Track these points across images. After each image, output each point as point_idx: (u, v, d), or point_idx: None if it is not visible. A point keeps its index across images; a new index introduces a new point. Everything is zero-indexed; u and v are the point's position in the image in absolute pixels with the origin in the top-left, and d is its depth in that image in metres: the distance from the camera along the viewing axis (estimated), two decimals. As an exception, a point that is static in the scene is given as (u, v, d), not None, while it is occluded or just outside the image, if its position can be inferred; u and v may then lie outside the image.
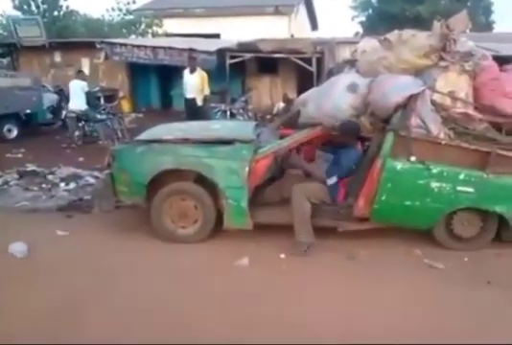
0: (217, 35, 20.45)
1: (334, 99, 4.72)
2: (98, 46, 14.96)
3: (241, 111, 12.49)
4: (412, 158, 4.38)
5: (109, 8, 25.37)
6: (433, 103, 4.46)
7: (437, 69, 4.63)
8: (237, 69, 15.23)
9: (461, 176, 4.39)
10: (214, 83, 10.76)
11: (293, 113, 5.51)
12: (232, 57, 14.69)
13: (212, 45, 14.35)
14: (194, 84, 9.38)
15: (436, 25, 4.70)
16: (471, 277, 4.13)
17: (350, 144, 4.74)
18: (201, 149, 4.72)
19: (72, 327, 3.27)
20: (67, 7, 22.40)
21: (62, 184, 6.80)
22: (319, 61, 14.19)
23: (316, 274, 4.14)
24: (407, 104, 4.36)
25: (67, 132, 10.46)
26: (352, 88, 4.70)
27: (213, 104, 11.40)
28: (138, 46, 14.78)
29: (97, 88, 12.66)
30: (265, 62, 15.79)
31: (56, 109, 12.15)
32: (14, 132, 10.91)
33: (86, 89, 10.22)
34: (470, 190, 4.39)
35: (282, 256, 4.47)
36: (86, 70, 15.00)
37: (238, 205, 4.59)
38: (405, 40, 4.73)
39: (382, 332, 3.26)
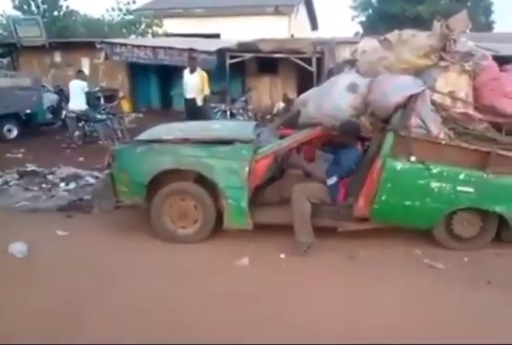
0: (217, 35, 20.45)
1: (334, 99, 4.72)
2: (98, 46, 14.96)
3: (241, 111, 12.49)
4: (412, 158, 4.38)
5: (109, 8, 25.41)
6: (433, 103, 4.47)
7: (437, 69, 4.63)
8: (237, 69, 15.23)
9: (461, 176, 4.39)
10: (214, 83, 10.76)
11: (293, 113, 5.52)
12: (232, 57, 14.69)
13: (212, 45, 14.35)
14: (194, 84, 9.38)
15: (436, 25, 4.70)
16: (471, 277, 4.13)
17: (350, 144, 4.74)
18: (201, 149, 4.72)
19: (72, 327, 3.27)
20: (67, 7, 22.43)
21: (62, 184, 6.80)
22: (319, 61, 14.19)
23: (316, 274, 4.14)
24: (407, 104, 4.36)
25: (67, 132, 10.46)
26: (352, 88, 4.70)
27: (213, 104, 11.40)
28: (138, 46, 14.78)
29: (97, 88, 12.66)
30: (265, 62, 15.79)
31: (56, 109, 12.15)
32: (14, 132, 10.91)
33: (86, 89, 10.23)
34: (470, 190, 4.40)
35: (282, 256, 4.47)
36: (86, 70, 15.01)
37: (238, 205, 4.59)
38: (405, 40, 4.73)
39: (382, 331, 3.26)
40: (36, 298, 3.63)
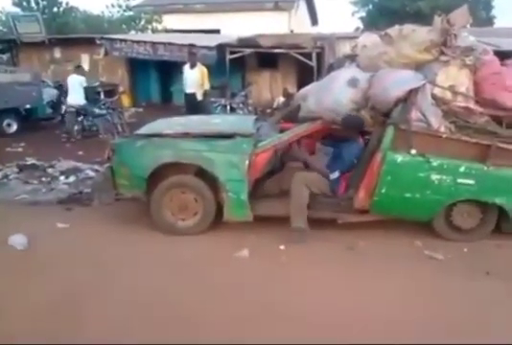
0: (217, 31, 20.40)
1: (334, 93, 4.73)
2: (98, 42, 14.97)
3: (241, 106, 12.51)
4: (413, 151, 4.40)
5: (109, 4, 25.28)
6: (434, 97, 4.48)
7: (438, 63, 4.63)
8: (237, 64, 15.23)
9: (462, 169, 4.41)
10: (214, 78, 10.77)
11: (294, 107, 5.53)
12: (232, 53, 14.68)
13: (212, 40, 14.33)
14: (194, 79, 9.38)
15: (437, 20, 4.70)
16: (470, 268, 4.14)
17: (352, 138, 4.76)
18: (202, 143, 4.72)
19: (72, 320, 3.24)
20: (67, 3, 22.39)
21: (62, 177, 6.81)
22: (319, 56, 14.18)
23: (316, 265, 4.15)
24: (408, 98, 4.37)
25: (65, 127, 10.47)
26: (352, 83, 4.71)
27: (213, 99, 11.41)
28: (138, 42, 14.79)
29: (97, 83, 12.66)
30: (265, 57, 15.78)
31: (55, 104, 12.15)
32: (14, 127, 10.95)
33: (85, 84, 10.25)
34: (470, 182, 4.41)
35: (282, 247, 4.48)
36: (86, 66, 15.00)
37: (238, 198, 4.60)
38: (405, 35, 4.73)
39: (382, 323, 3.26)
40: (36, 290, 3.62)
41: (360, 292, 3.69)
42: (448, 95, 4.55)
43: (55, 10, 21.92)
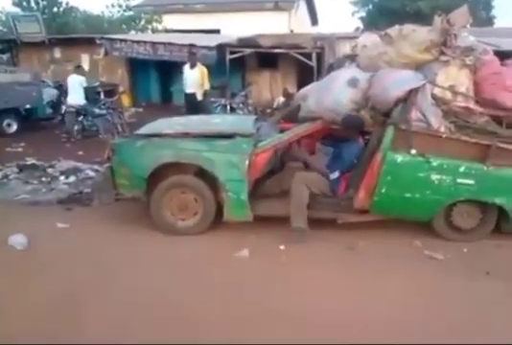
0: (217, 31, 20.40)
1: (334, 93, 4.73)
2: (98, 42, 14.97)
3: (241, 106, 12.52)
4: (413, 151, 4.40)
5: (109, 4, 25.33)
6: (434, 97, 4.48)
7: (438, 63, 4.63)
8: (237, 64, 15.22)
9: (461, 169, 4.41)
10: (214, 78, 10.78)
11: (294, 107, 5.53)
12: (232, 53, 14.67)
13: (212, 41, 14.33)
14: (194, 79, 9.40)
15: (437, 20, 4.70)
16: (470, 268, 4.15)
17: (352, 138, 4.76)
18: (202, 143, 4.72)
19: (71, 321, 3.24)
20: (67, 3, 22.41)
21: (62, 177, 6.81)
22: (319, 56, 14.17)
23: (316, 265, 4.14)
24: (408, 98, 4.38)
25: (65, 127, 10.47)
26: (352, 83, 4.72)
27: (213, 99, 11.43)
28: (138, 42, 14.80)
29: (97, 83, 12.67)
30: (265, 57, 15.78)
31: (55, 104, 12.13)
32: (14, 127, 10.94)
33: (85, 84, 10.25)
34: (470, 182, 4.42)
35: (282, 247, 4.47)
36: (86, 66, 15.00)
37: (238, 198, 4.60)
38: (405, 35, 4.73)
39: (382, 323, 3.26)
40: (36, 290, 3.62)
41: (360, 292, 3.69)
42: (448, 95, 4.55)
43: (55, 10, 21.93)
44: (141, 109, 15.29)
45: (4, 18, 21.42)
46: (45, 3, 21.62)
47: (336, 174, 4.70)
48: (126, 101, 14.62)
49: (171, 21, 21.19)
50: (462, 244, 4.61)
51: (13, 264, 4.08)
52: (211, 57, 13.37)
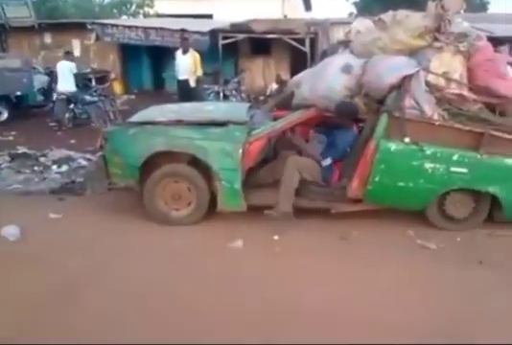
0: (209, 16, 20.13)
1: (328, 80, 4.69)
2: (89, 27, 14.77)
3: (234, 92, 12.42)
4: (406, 139, 4.38)
5: (100, -13, 24.97)
6: (428, 83, 4.46)
7: (432, 50, 4.61)
8: (230, 50, 15.09)
9: (455, 157, 4.40)
10: (206, 64, 10.67)
11: (287, 95, 5.48)
12: (225, 38, 14.52)
13: (204, 26, 14.18)
14: (186, 65, 9.30)
15: (431, 5, 4.66)
16: (463, 257, 4.16)
17: (346, 125, 4.74)
18: (195, 131, 4.68)
19: (64, 310, 3.24)
20: (56, -14, 22.08)
21: (54, 166, 6.76)
22: (313, 42, 14.07)
23: (310, 255, 4.15)
24: (402, 85, 4.35)
25: (54, 115, 10.36)
26: (346, 69, 4.68)
27: (206, 86, 11.32)
28: (129, 27, 14.60)
29: (88, 70, 12.52)
30: (258, 43, 15.65)
31: (46, 91, 11.95)
32: (5, 115, 10.76)
33: (75, 71, 10.06)
34: (463, 170, 4.41)
35: (275, 237, 4.47)
36: (77, 51, 14.83)
37: (231, 187, 4.58)
38: (399, 21, 4.70)
39: (375, 312, 3.27)
40: (28, 281, 3.60)
41: (354, 282, 3.70)
42: (441, 82, 4.53)
43: (44, -6, 21.62)
44: (133, 96, 15.14)
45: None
46: (34, -13, 21.26)
47: (328, 161, 4.68)
48: (117, 88, 14.51)
49: (162, 6, 20.96)
50: (455, 234, 4.62)
51: (6, 255, 4.06)
52: (203, 43, 13.22)
